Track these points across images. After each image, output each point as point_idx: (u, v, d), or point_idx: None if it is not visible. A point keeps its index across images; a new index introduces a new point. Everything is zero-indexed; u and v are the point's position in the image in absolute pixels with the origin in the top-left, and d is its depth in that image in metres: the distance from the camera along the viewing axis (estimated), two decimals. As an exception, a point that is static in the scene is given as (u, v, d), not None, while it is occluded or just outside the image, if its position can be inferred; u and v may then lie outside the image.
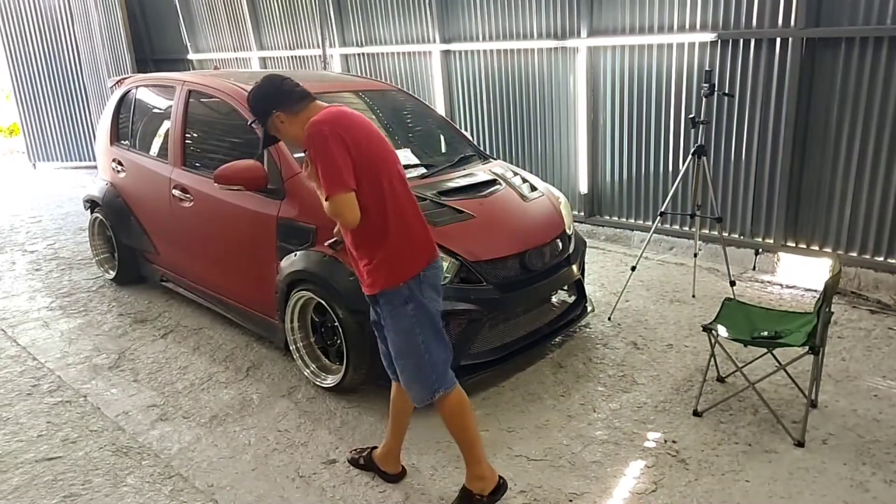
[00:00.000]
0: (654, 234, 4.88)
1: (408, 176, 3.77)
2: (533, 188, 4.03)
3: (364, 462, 2.90)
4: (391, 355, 2.57)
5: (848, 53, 4.37)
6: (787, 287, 4.75)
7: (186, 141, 4.33)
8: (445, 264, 3.28)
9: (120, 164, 4.96)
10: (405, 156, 4.02)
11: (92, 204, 5.29)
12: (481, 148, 5.54)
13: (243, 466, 2.98)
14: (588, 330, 4.19)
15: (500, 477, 2.66)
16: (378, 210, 2.36)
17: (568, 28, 5.77)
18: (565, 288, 3.93)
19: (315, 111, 2.40)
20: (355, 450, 3.00)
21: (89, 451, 3.12)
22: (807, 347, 2.87)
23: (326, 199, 2.28)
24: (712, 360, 3.28)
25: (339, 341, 3.36)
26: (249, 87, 4.06)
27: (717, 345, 3.17)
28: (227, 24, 9.46)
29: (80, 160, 10.28)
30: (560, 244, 3.78)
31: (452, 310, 3.20)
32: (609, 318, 4.32)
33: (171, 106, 4.44)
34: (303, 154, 2.46)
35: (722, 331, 3.11)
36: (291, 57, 8.72)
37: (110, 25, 9.55)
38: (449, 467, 2.91)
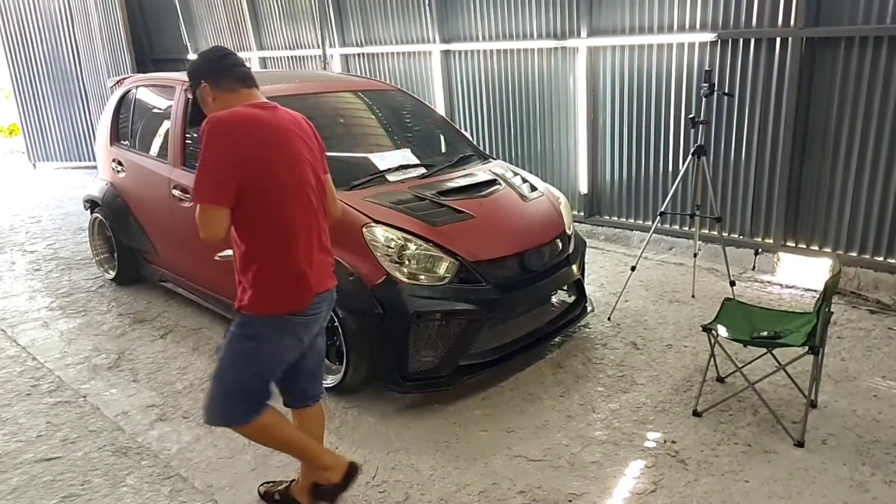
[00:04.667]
0: (654, 234, 4.87)
1: (408, 176, 3.83)
2: (533, 188, 4.03)
3: (280, 498, 2.67)
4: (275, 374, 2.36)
5: (848, 53, 4.37)
6: (787, 287, 4.75)
7: (186, 141, 4.32)
8: (445, 264, 3.29)
9: (120, 164, 4.96)
10: (404, 155, 4.01)
11: (92, 204, 5.28)
12: (481, 148, 5.54)
13: (242, 466, 2.97)
14: (587, 330, 4.19)
15: (351, 462, 2.53)
16: (254, 232, 2.16)
17: (568, 28, 5.77)
18: (565, 288, 3.93)
19: (245, 100, 2.20)
20: (268, 483, 2.79)
21: (88, 451, 3.12)
22: (806, 347, 2.87)
23: (193, 202, 2.11)
24: (712, 360, 3.28)
25: (338, 341, 3.36)
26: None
27: (716, 345, 3.17)
28: (227, 24, 9.46)
29: (80, 160, 10.26)
30: (560, 244, 3.78)
31: (452, 310, 3.20)
32: (608, 319, 4.32)
33: (170, 106, 4.43)
34: None
35: (721, 331, 3.11)
36: (291, 57, 8.72)
37: (110, 25, 9.55)
38: (448, 467, 2.90)
